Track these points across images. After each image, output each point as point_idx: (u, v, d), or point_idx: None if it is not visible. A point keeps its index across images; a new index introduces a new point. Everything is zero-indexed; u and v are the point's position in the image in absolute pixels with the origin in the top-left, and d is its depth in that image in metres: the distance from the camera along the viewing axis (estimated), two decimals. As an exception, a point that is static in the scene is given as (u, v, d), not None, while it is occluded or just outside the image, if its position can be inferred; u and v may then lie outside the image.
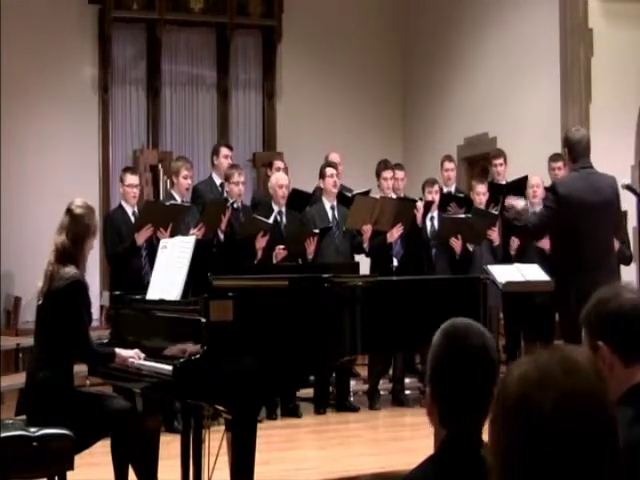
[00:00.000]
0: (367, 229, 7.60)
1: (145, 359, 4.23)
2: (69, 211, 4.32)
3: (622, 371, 2.11)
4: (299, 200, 7.91)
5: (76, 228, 4.27)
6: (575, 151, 5.59)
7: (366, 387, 8.08)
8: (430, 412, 2.00)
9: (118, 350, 4.28)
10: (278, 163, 8.84)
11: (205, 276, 4.05)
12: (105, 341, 4.76)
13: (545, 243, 6.97)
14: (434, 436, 1.99)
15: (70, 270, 4.20)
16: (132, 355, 4.24)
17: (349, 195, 8.15)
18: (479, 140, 11.06)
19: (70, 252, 4.24)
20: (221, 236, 7.15)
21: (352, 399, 7.90)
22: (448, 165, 8.72)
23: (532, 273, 6.83)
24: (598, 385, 1.41)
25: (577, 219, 5.46)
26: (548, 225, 5.71)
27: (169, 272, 4.43)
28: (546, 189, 6.03)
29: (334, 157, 8.51)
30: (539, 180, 7.77)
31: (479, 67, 11.19)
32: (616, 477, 1.38)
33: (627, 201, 6.26)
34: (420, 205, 7.92)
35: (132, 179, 7.15)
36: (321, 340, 4.14)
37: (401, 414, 7.60)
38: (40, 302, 4.30)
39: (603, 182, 5.60)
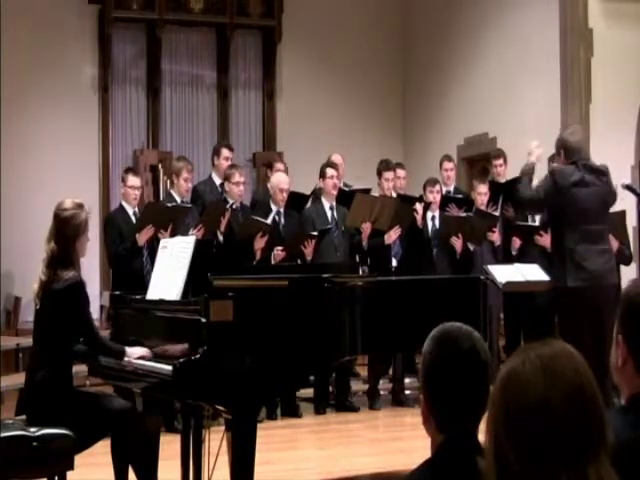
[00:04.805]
0: (366, 227, 7.61)
1: (145, 359, 4.24)
2: (56, 216, 4.29)
3: (632, 372, 1.97)
4: (296, 202, 7.91)
5: (65, 232, 4.24)
6: (570, 151, 5.70)
7: (366, 387, 8.08)
8: (426, 419, 1.99)
9: (129, 349, 4.29)
10: (278, 165, 8.81)
11: (205, 276, 4.05)
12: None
13: (546, 242, 6.98)
14: (431, 443, 1.99)
15: (67, 272, 4.20)
16: (143, 354, 4.25)
17: (346, 190, 8.15)
18: (479, 140, 11.06)
19: (62, 257, 4.23)
20: (220, 237, 7.15)
21: (352, 399, 7.90)
22: (447, 165, 8.72)
23: (532, 273, 6.84)
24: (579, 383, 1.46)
25: (573, 211, 5.55)
26: (541, 201, 5.80)
27: (169, 272, 4.43)
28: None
29: (336, 158, 8.49)
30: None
31: (479, 67, 11.19)
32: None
33: (627, 201, 6.28)
34: (419, 207, 7.92)
35: (134, 181, 7.16)
36: (321, 340, 4.13)
37: (401, 414, 7.60)
38: (37, 307, 4.30)
39: (597, 174, 5.72)
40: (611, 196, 5.84)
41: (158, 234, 6.74)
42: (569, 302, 5.60)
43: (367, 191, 8.22)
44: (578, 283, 5.53)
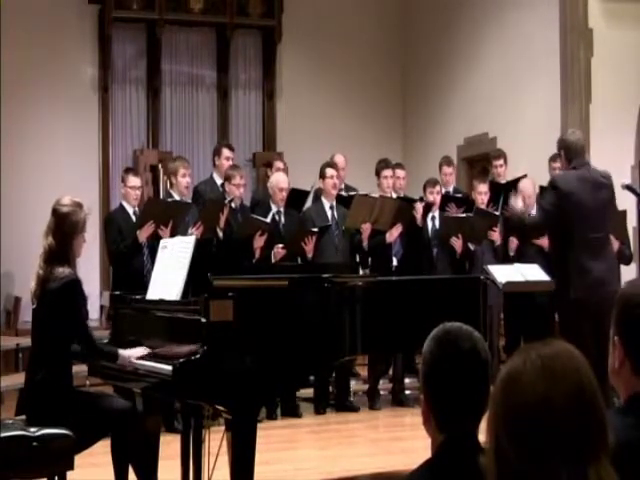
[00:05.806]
0: (366, 228, 7.61)
1: (145, 359, 4.23)
2: (54, 211, 4.29)
3: (629, 373, 1.96)
4: (297, 198, 7.91)
5: (63, 228, 4.24)
6: (571, 151, 5.69)
7: (366, 387, 8.08)
8: (426, 419, 1.99)
9: (121, 351, 4.27)
10: (278, 164, 8.83)
11: (205, 276, 4.05)
12: (105, 341, 4.75)
13: (544, 241, 6.97)
14: (431, 443, 1.98)
15: (63, 270, 4.19)
16: (137, 354, 4.23)
17: (344, 194, 8.14)
18: (479, 140, 11.06)
19: (59, 253, 4.22)
20: (220, 234, 7.17)
21: (352, 399, 7.90)
22: (447, 170, 8.66)
23: (532, 273, 6.83)
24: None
25: (576, 217, 5.53)
26: (548, 223, 5.78)
27: (169, 272, 4.43)
28: (543, 187, 6.06)
29: (339, 159, 8.46)
30: (531, 189, 7.60)
31: (479, 67, 11.18)
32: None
33: (627, 201, 6.27)
34: (419, 207, 7.92)
35: (134, 181, 7.17)
36: (321, 340, 4.13)
37: (401, 414, 7.60)
38: (34, 306, 4.30)
39: (599, 179, 5.71)
40: (613, 203, 5.82)
41: (158, 230, 6.76)
42: (571, 309, 5.59)
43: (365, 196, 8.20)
44: (580, 294, 5.51)
